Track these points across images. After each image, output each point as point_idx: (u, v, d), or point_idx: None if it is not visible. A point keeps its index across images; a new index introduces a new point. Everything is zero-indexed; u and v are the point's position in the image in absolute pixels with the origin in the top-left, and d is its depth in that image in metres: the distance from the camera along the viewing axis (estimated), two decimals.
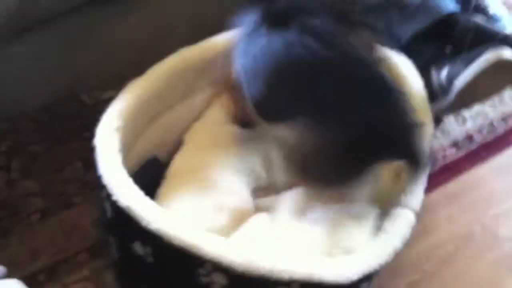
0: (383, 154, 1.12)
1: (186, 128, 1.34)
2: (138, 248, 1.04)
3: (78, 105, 1.59)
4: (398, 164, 1.24)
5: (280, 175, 1.28)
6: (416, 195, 1.16)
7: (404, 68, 1.39)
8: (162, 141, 1.29)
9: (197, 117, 1.36)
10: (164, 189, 1.22)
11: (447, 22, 1.52)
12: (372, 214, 1.16)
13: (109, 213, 1.10)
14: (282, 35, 1.10)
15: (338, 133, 1.08)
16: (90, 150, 1.46)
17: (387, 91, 1.10)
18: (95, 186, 1.39)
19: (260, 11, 1.15)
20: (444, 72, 1.47)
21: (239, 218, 1.17)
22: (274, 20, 1.12)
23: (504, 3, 2.04)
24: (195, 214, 1.15)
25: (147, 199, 1.06)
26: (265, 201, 1.24)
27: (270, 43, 1.11)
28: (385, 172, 1.22)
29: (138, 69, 1.65)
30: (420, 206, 1.15)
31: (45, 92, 1.51)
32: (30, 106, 1.53)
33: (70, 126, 1.54)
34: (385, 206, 1.18)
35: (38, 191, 1.39)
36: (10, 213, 1.35)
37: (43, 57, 1.48)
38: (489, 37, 1.49)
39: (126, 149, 1.19)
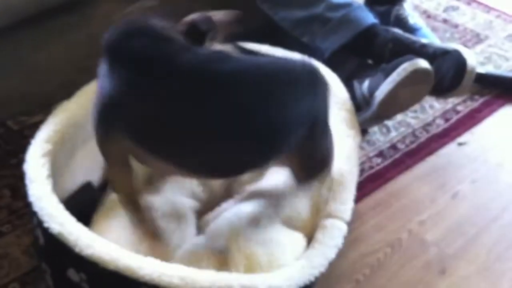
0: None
1: None
2: (73, 275, 1.02)
3: (3, 131, 1.56)
4: (327, 175, 1.27)
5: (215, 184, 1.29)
6: (346, 205, 1.19)
7: (330, 81, 1.43)
8: (95, 164, 1.27)
9: None
10: (99, 215, 1.20)
11: (368, 35, 1.57)
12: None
13: (41, 240, 1.08)
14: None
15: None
16: (18, 177, 1.44)
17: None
18: (24, 214, 1.37)
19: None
20: (365, 84, 1.51)
21: (178, 242, 1.16)
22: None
23: (424, 12, 2.14)
24: (132, 239, 1.15)
25: (79, 225, 1.05)
26: (203, 220, 1.25)
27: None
28: (315, 183, 1.25)
29: (65, 92, 1.63)
30: (350, 216, 1.19)
31: None
32: None
33: None
34: (316, 216, 1.21)
35: None
36: None
37: None
38: (407, 48, 1.54)
39: (57, 174, 1.18)
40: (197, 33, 1.13)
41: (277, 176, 1.25)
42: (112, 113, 1.07)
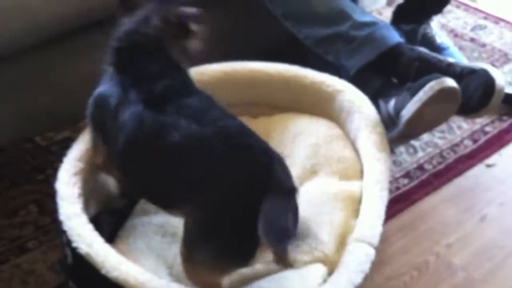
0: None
1: None
2: None
3: (31, 147, 1.58)
4: (355, 199, 1.27)
5: None
6: (375, 229, 1.18)
7: (358, 100, 1.43)
8: None
9: None
10: (125, 231, 1.21)
11: (393, 53, 1.56)
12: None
13: (69, 259, 1.09)
14: (157, 118, 1.08)
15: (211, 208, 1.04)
16: (45, 193, 1.46)
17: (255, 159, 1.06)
18: (50, 230, 1.38)
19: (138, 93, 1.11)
20: (391, 103, 1.49)
21: None
22: (151, 100, 1.09)
23: (451, 31, 2.12)
24: (158, 262, 1.15)
25: (106, 246, 1.06)
26: None
27: (144, 127, 1.08)
28: (343, 205, 1.24)
29: None
30: (378, 240, 1.17)
31: None
32: None
33: (24, 169, 1.52)
34: (343, 239, 1.20)
35: None
36: None
37: None
38: (434, 67, 1.52)
39: (88, 191, 1.19)
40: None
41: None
42: (96, 118, 1.16)
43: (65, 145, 1.48)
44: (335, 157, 1.37)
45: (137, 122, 1.07)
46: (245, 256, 1.04)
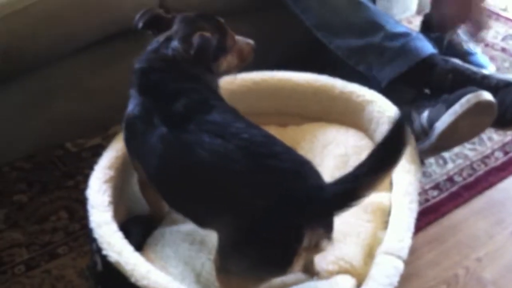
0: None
1: None
2: None
3: (62, 153, 1.60)
4: (384, 210, 1.26)
5: None
6: (404, 242, 1.16)
7: (388, 111, 1.42)
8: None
9: None
10: (153, 239, 1.22)
11: (426, 64, 1.54)
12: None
13: (99, 266, 1.10)
14: (180, 137, 1.08)
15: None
16: (74, 199, 1.47)
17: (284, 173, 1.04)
18: (80, 236, 1.40)
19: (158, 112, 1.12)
20: (425, 115, 1.48)
21: None
22: (173, 121, 1.09)
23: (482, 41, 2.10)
24: (186, 269, 1.15)
25: (136, 254, 1.07)
26: None
27: (170, 149, 1.08)
28: (371, 217, 1.23)
29: (122, 115, 1.66)
30: (407, 253, 1.16)
31: (29, 141, 1.52)
32: (14, 155, 1.53)
33: (55, 175, 1.54)
34: (371, 251, 1.20)
35: (22, 242, 1.38)
36: None
37: (27, 107, 1.49)
38: (468, 79, 1.51)
39: (117, 199, 1.20)
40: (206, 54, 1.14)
41: None
42: (130, 143, 1.17)
43: (95, 151, 1.50)
44: None
45: (164, 145, 1.07)
46: (283, 265, 1.03)
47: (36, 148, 1.55)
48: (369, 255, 1.18)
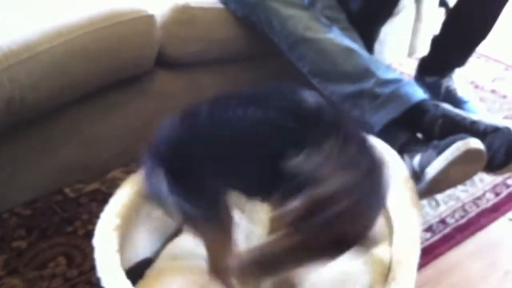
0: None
1: None
2: None
3: (61, 198, 1.62)
4: (383, 262, 1.27)
5: None
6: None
7: (387, 155, 1.43)
8: (155, 236, 1.31)
9: None
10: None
11: (417, 110, 1.58)
12: None
13: None
14: None
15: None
16: (73, 245, 1.49)
17: None
18: (78, 283, 1.41)
19: None
20: (416, 159, 1.51)
21: None
22: None
23: (472, 83, 2.14)
24: None
25: None
26: None
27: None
28: (370, 269, 1.25)
29: (121, 161, 1.69)
30: None
31: (29, 187, 1.54)
32: (14, 201, 1.55)
33: (54, 221, 1.56)
34: None
35: None
36: None
37: (29, 154, 1.51)
38: (458, 124, 1.54)
39: (124, 247, 1.21)
40: None
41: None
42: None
43: (93, 197, 1.52)
44: None
45: None
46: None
47: (36, 194, 1.57)
48: None
